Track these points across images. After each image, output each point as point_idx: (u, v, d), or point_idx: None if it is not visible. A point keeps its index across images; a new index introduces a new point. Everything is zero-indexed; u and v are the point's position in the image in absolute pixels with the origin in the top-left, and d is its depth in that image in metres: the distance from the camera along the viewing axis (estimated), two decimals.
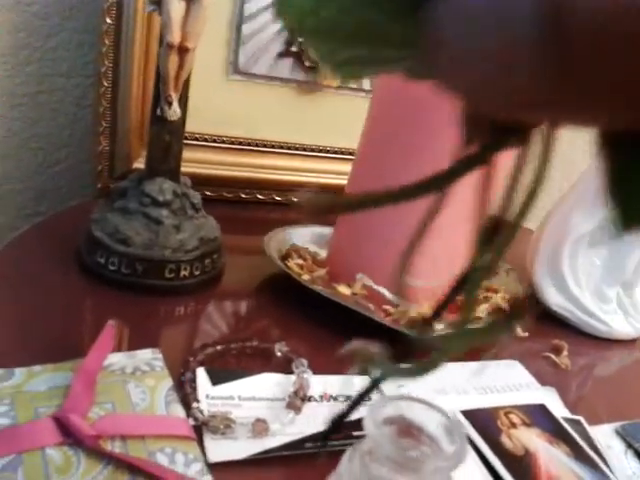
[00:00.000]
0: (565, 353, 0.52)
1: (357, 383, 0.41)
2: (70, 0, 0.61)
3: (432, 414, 0.23)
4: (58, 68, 0.64)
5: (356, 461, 0.22)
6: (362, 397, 0.18)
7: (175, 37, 0.41)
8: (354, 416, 0.38)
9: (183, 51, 0.43)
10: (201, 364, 0.38)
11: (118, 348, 0.39)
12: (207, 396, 0.36)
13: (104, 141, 0.59)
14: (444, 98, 0.14)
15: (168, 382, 0.36)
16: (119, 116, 0.58)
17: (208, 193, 0.64)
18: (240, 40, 0.61)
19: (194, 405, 0.35)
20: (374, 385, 0.18)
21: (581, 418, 0.44)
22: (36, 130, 0.66)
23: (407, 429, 0.23)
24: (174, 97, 0.45)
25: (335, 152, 0.69)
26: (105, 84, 0.57)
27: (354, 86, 0.67)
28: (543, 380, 0.47)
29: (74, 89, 0.66)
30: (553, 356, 0.51)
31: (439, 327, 0.47)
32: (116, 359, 0.37)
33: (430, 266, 0.50)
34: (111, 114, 0.58)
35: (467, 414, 0.41)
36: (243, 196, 0.67)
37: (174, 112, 0.45)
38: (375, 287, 0.49)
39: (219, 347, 0.40)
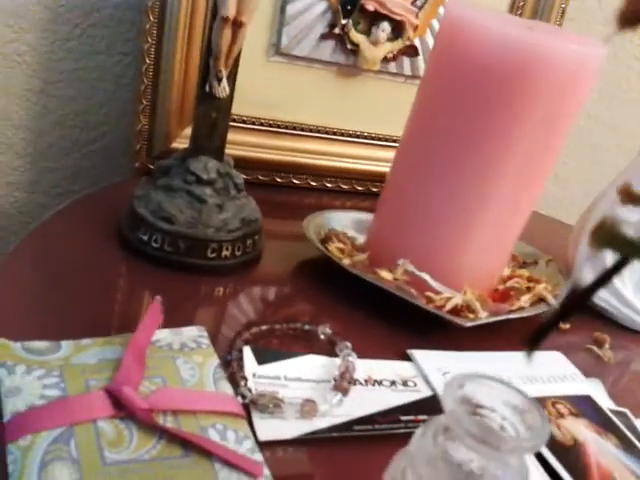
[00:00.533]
0: (607, 346, 0.51)
1: (399, 368, 0.41)
2: None
3: (509, 394, 0.22)
4: (98, 45, 0.64)
5: (429, 439, 0.22)
6: (604, 280, 0.17)
7: (231, 10, 0.41)
8: (401, 401, 0.38)
9: (237, 26, 0.42)
10: (246, 343, 0.38)
11: (163, 324, 0.39)
12: (254, 375, 0.36)
13: (143, 120, 0.58)
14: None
15: (215, 359, 0.35)
16: (160, 95, 0.57)
17: (244, 176, 0.64)
18: (284, 21, 0.60)
19: (242, 383, 0.34)
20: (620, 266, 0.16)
21: (627, 410, 0.43)
22: (72, 107, 0.65)
23: (481, 409, 0.22)
24: (224, 73, 0.44)
25: (373, 138, 0.68)
26: (147, 61, 0.56)
27: (394, 71, 0.66)
28: (586, 372, 0.46)
29: (113, 67, 0.65)
30: (595, 348, 0.50)
31: (484, 315, 0.46)
32: (162, 335, 0.36)
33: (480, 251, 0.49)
34: (152, 92, 0.57)
35: None
36: (278, 180, 0.66)
37: (223, 89, 0.45)
38: (418, 273, 0.48)
39: (264, 327, 0.40)
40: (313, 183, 0.68)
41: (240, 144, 0.63)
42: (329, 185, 0.69)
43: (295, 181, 0.67)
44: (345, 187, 0.69)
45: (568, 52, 0.41)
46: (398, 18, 0.62)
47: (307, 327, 0.42)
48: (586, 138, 0.89)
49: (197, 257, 0.45)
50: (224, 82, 0.44)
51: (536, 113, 0.43)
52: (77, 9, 0.61)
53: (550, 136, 0.45)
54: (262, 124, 0.64)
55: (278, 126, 0.65)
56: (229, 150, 0.61)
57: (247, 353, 0.37)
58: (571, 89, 0.43)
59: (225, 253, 0.46)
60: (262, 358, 0.37)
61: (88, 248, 0.46)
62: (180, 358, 0.34)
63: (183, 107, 0.59)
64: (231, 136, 0.62)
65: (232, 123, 0.62)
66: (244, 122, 0.63)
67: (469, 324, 0.45)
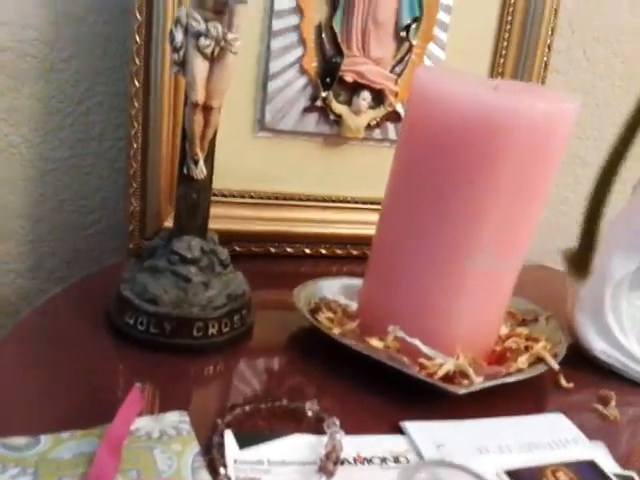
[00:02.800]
0: (613, 403, 0.49)
1: (390, 442, 0.40)
2: (100, 65, 0.64)
3: None
4: (90, 132, 0.66)
5: None
6: None
7: (199, 96, 0.42)
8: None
9: (208, 110, 0.43)
10: (229, 426, 0.37)
11: (148, 410, 0.39)
12: (235, 461, 0.35)
13: (135, 202, 0.60)
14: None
15: (195, 446, 0.35)
16: (149, 177, 0.59)
17: (237, 248, 0.64)
18: (266, 98, 0.62)
19: (222, 471, 0.33)
20: None
21: (634, 474, 0.41)
22: (69, 194, 0.67)
23: None
24: (200, 156, 0.45)
25: (364, 202, 0.69)
26: (135, 146, 0.58)
27: (379, 137, 0.67)
28: (591, 433, 0.45)
29: (107, 152, 0.67)
30: (600, 407, 0.49)
31: (478, 380, 0.45)
32: (143, 423, 0.36)
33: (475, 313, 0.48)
34: (141, 175, 0.59)
35: (512, 474, 0.38)
36: (272, 250, 0.66)
37: (200, 171, 0.45)
38: (408, 339, 0.47)
39: (248, 408, 0.39)
40: (308, 251, 0.68)
41: (232, 217, 0.64)
42: (324, 252, 0.69)
43: (289, 250, 0.67)
44: (340, 252, 0.69)
45: (535, 111, 0.42)
46: (378, 87, 0.64)
47: (294, 404, 0.41)
48: (586, 186, 0.89)
49: (183, 337, 0.45)
50: (201, 164, 0.45)
51: (508, 172, 0.43)
52: (67, 100, 0.64)
53: (528, 191, 0.45)
54: (252, 197, 0.65)
55: (269, 198, 0.66)
56: (219, 225, 0.62)
57: (228, 437, 0.36)
58: (542, 145, 0.43)
59: (212, 331, 0.46)
60: (244, 442, 0.36)
61: (77, 335, 0.47)
62: (158, 448, 0.34)
63: (172, 187, 0.60)
64: (223, 210, 0.63)
65: (223, 198, 0.64)
66: (234, 196, 0.64)
67: (463, 391, 0.43)
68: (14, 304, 0.70)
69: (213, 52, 0.41)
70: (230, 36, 0.40)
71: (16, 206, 0.66)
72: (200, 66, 0.41)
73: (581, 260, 0.14)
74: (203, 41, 0.40)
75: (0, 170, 0.64)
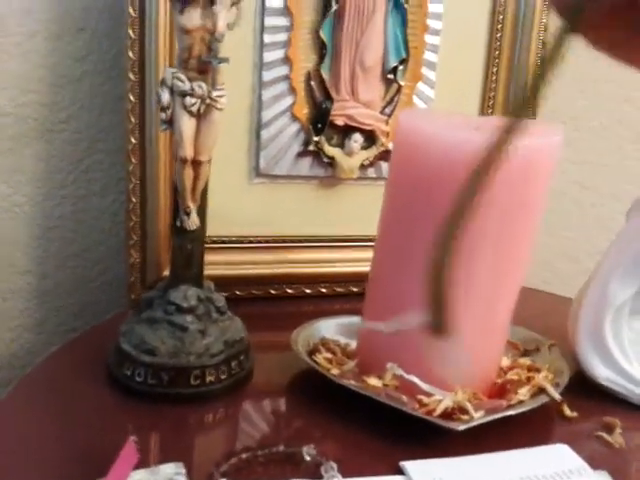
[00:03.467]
0: (618, 431, 0.49)
1: None
2: (98, 124, 0.66)
3: None
4: (92, 188, 0.68)
5: None
6: None
7: (188, 152, 0.44)
8: None
9: (197, 164, 0.45)
10: (225, 476, 0.37)
11: (146, 462, 0.39)
12: None
13: (135, 254, 0.61)
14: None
15: None
16: (148, 229, 0.60)
17: (238, 292, 0.65)
18: (260, 145, 0.64)
19: None
20: None
21: None
22: (73, 249, 0.69)
23: None
24: (192, 208, 0.47)
25: (362, 240, 0.70)
26: (134, 200, 0.60)
27: (373, 176, 0.68)
28: (596, 463, 0.44)
29: (109, 206, 0.69)
30: (605, 435, 0.48)
31: (477, 415, 0.45)
32: (138, 477, 0.36)
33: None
34: (141, 228, 0.60)
35: None
36: (272, 292, 0.67)
37: (193, 222, 0.47)
38: (407, 377, 0.47)
39: (244, 455, 0.39)
40: (308, 291, 0.69)
41: (230, 263, 0.65)
42: (324, 290, 0.69)
43: (290, 291, 0.68)
44: (340, 290, 0.70)
45: (516, 147, 0.43)
46: (368, 128, 0.65)
47: (291, 449, 0.41)
48: (587, 209, 0.89)
49: (180, 386, 0.46)
50: (193, 216, 0.46)
51: (492, 210, 0.44)
52: (68, 158, 0.66)
53: (515, 226, 0.46)
54: (251, 242, 0.66)
55: (267, 241, 0.67)
56: (219, 271, 0.63)
57: None
58: (524, 181, 0.44)
59: (209, 379, 0.47)
60: None
61: (78, 389, 0.47)
62: None
63: (170, 238, 0.61)
64: (222, 257, 0.65)
65: (223, 245, 0.65)
66: (232, 242, 0.65)
67: (462, 427, 0.43)
68: (22, 359, 0.71)
69: (199, 110, 0.42)
70: (215, 93, 0.42)
71: (22, 263, 0.68)
72: (187, 124, 0.42)
73: (436, 317, 0.14)
74: (189, 100, 0.42)
75: (5, 229, 0.66)
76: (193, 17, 0.40)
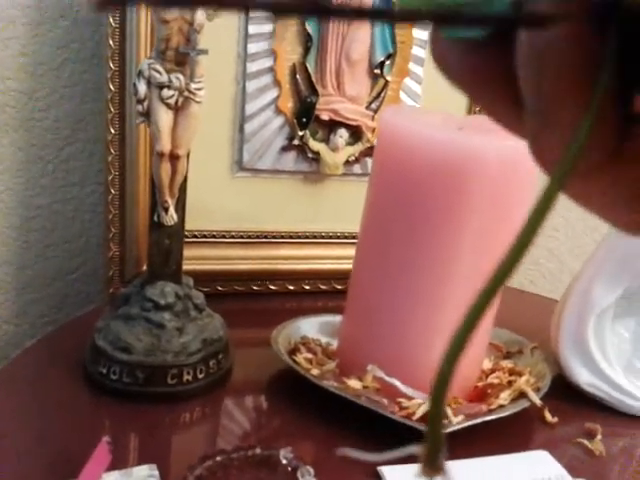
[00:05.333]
0: (599, 437, 0.48)
1: None
2: (79, 113, 0.64)
3: None
4: (72, 178, 0.66)
5: None
6: None
7: (165, 146, 0.42)
8: None
9: (175, 158, 0.44)
10: (200, 479, 0.37)
11: (121, 463, 0.38)
12: None
13: (114, 247, 0.60)
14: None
15: None
16: (127, 222, 0.59)
17: (220, 288, 0.64)
18: (243, 139, 0.63)
19: None
20: None
21: None
22: (52, 239, 0.67)
23: None
24: (170, 202, 0.46)
25: (345, 237, 0.69)
26: (113, 192, 0.59)
27: (359, 172, 0.67)
28: (576, 470, 0.44)
29: (88, 197, 0.68)
30: (586, 442, 0.48)
31: (457, 420, 0.45)
32: (111, 478, 0.35)
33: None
34: (119, 220, 0.59)
35: None
36: (255, 288, 0.66)
37: (171, 217, 0.46)
38: (387, 379, 0.47)
39: (219, 458, 0.38)
40: (291, 287, 0.68)
41: (214, 258, 0.64)
42: (307, 287, 0.69)
43: (272, 287, 0.67)
44: (324, 287, 0.69)
45: (499, 149, 0.42)
46: (354, 124, 0.64)
47: (268, 452, 0.40)
48: (574, 211, 0.89)
49: (157, 385, 0.45)
50: (171, 211, 0.45)
51: (475, 209, 0.43)
52: (48, 147, 0.64)
53: (499, 227, 0.45)
54: (233, 237, 0.65)
55: (250, 237, 0.66)
56: (203, 266, 0.62)
57: None
58: (506, 183, 0.43)
59: (187, 377, 0.46)
60: None
61: (52, 385, 0.46)
62: None
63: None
64: (204, 251, 0.64)
65: (204, 239, 0.64)
66: (214, 237, 0.64)
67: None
68: (2, 350, 0.70)
69: (177, 102, 0.41)
70: (193, 86, 0.41)
71: (0, 254, 0.67)
72: (164, 116, 0.41)
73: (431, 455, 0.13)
74: (166, 92, 0.40)
75: None
76: None
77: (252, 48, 0.60)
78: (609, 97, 0.12)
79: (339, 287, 0.69)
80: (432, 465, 0.13)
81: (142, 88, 0.40)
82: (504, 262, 0.13)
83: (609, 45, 0.12)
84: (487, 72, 0.13)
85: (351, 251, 0.69)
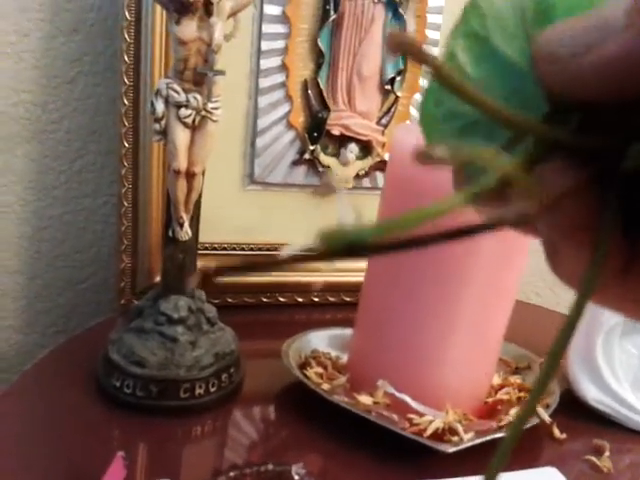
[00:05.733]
0: (607, 454, 0.49)
1: None
2: (91, 125, 0.65)
3: None
4: (84, 189, 0.67)
5: None
6: None
7: (182, 164, 0.43)
8: None
9: (190, 176, 0.44)
10: None
11: (134, 477, 0.39)
12: None
13: (126, 259, 0.60)
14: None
15: None
16: (140, 234, 0.60)
17: (229, 300, 0.65)
18: (255, 153, 0.63)
19: None
20: None
21: None
22: (63, 249, 0.68)
23: None
24: (185, 218, 0.46)
25: None
26: (125, 204, 0.59)
27: (368, 185, 0.68)
28: None
29: (100, 208, 0.68)
30: (594, 459, 0.48)
31: (467, 437, 0.45)
32: None
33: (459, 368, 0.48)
34: (132, 232, 0.60)
35: None
36: (264, 300, 0.67)
37: (185, 233, 0.46)
38: (398, 395, 0.47)
39: (232, 473, 0.39)
40: (300, 299, 0.68)
41: None
42: (316, 299, 0.69)
43: (282, 299, 0.68)
44: (333, 299, 0.70)
45: None
46: (364, 138, 0.65)
47: (280, 467, 0.40)
48: None
49: (170, 399, 0.45)
50: (186, 226, 0.46)
51: (484, 235, 0.43)
52: (60, 158, 0.65)
53: (516, 243, 0.46)
54: (243, 249, 0.66)
55: (260, 249, 0.66)
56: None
57: None
58: None
59: (199, 391, 0.46)
60: None
61: (65, 399, 0.47)
62: None
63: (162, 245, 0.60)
64: (214, 263, 0.64)
65: (214, 251, 0.64)
66: (225, 249, 0.65)
67: (452, 449, 0.43)
68: (11, 359, 0.70)
69: (194, 121, 0.42)
70: (210, 105, 0.41)
71: (12, 263, 0.67)
72: (181, 135, 0.42)
73: None
74: (184, 111, 0.41)
75: None
76: (189, 28, 0.39)
77: (264, 64, 0.61)
78: (613, 237, 0.14)
79: (348, 299, 0.70)
80: None
81: (160, 107, 0.41)
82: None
83: (610, 202, 0.14)
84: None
85: (360, 264, 0.69)
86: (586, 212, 0.14)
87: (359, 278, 0.69)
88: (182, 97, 0.41)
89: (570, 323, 0.13)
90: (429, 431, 0.44)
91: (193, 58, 0.41)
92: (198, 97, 0.41)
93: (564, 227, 0.14)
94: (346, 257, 0.12)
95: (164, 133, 0.43)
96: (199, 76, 0.41)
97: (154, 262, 0.61)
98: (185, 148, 0.42)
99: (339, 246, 0.12)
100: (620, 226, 0.14)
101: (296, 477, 0.40)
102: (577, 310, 0.14)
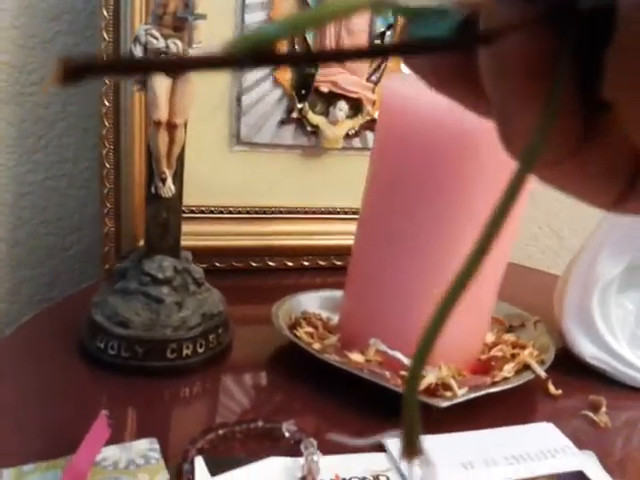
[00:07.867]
0: (603, 409, 0.48)
1: (371, 461, 0.38)
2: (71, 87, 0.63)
3: None
4: (64, 154, 0.65)
5: None
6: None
7: (162, 114, 0.41)
8: None
9: (172, 127, 0.43)
10: (202, 452, 0.36)
11: (120, 438, 0.38)
12: None
13: (109, 222, 0.59)
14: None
15: (164, 475, 0.33)
16: (122, 197, 0.58)
17: (217, 264, 0.63)
18: (241, 111, 0.61)
19: None
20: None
21: None
22: (45, 216, 0.66)
23: None
24: (168, 174, 0.44)
25: (345, 212, 0.68)
26: (107, 166, 0.57)
27: (359, 146, 0.66)
28: (581, 442, 0.43)
29: (82, 173, 0.66)
30: (591, 414, 0.47)
31: (461, 392, 0.44)
32: (110, 452, 0.35)
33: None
34: (115, 195, 0.58)
35: None
36: (253, 264, 0.65)
37: (168, 189, 0.45)
38: (390, 352, 0.46)
39: (221, 431, 0.38)
40: (290, 264, 0.67)
41: (210, 234, 0.63)
42: (307, 264, 0.68)
43: (271, 264, 0.66)
44: (323, 264, 0.68)
45: None
46: (354, 96, 0.63)
47: (270, 425, 0.39)
48: None
49: (156, 360, 0.44)
50: (169, 182, 0.44)
51: (485, 182, 0.42)
52: (40, 122, 0.63)
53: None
54: (231, 212, 0.64)
55: (248, 212, 0.65)
56: (199, 242, 0.61)
57: (199, 464, 0.35)
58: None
59: (186, 352, 0.45)
60: (216, 468, 0.35)
61: (49, 361, 0.45)
62: (124, 478, 0.33)
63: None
64: (201, 227, 0.62)
65: (202, 214, 0.63)
66: (212, 212, 0.63)
67: (445, 404, 0.42)
68: None
69: None
70: (191, 52, 0.40)
71: None
72: (161, 84, 0.40)
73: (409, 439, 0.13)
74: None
75: None
76: None
77: (249, 18, 0.58)
78: (568, 95, 0.12)
79: (338, 263, 0.68)
80: (411, 448, 0.13)
81: (138, 54, 0.39)
82: (480, 238, 0.12)
83: (564, 48, 0.12)
84: (452, 72, 0.14)
85: (351, 226, 0.68)
86: (537, 55, 0.12)
87: (349, 241, 0.68)
88: (161, 43, 0.39)
89: (508, 196, 0.12)
90: (422, 386, 0.43)
91: (173, 2, 0.39)
92: (178, 43, 0.39)
93: (514, 75, 0.12)
94: (255, 64, 0.11)
95: (144, 82, 0.41)
96: (179, 21, 0.39)
97: (138, 225, 0.59)
98: (166, 97, 0.41)
99: (245, 49, 0.10)
100: (577, 81, 0.12)
101: (287, 434, 0.39)
102: (518, 180, 0.12)
